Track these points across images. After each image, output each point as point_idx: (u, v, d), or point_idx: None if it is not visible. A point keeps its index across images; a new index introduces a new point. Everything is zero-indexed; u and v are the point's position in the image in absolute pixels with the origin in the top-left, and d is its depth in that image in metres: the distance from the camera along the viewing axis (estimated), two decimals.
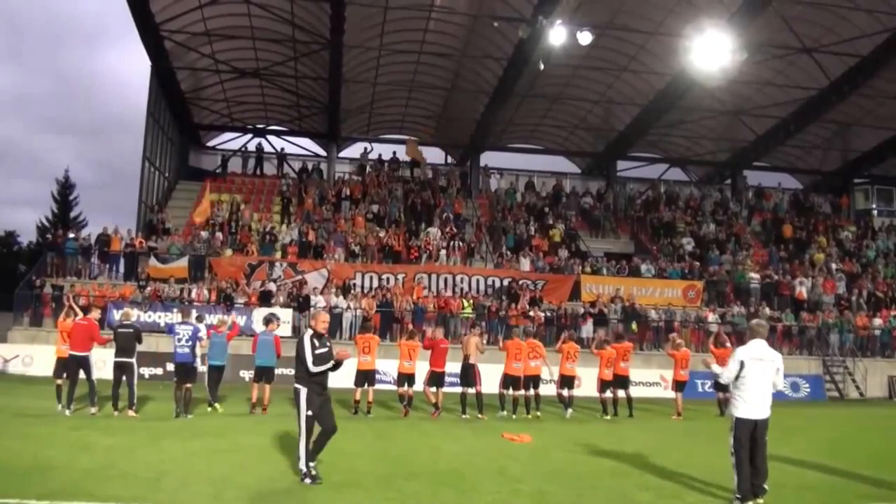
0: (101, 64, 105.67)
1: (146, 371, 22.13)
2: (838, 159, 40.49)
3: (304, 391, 8.42)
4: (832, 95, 32.19)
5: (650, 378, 24.41)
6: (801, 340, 28.36)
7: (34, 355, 22.87)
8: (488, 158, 38.31)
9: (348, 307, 24.73)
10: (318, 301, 24.51)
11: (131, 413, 13.69)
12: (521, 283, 27.39)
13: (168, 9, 27.66)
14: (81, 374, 13.99)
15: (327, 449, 8.65)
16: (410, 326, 21.98)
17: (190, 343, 14.29)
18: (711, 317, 27.87)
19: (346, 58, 29.60)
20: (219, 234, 28.23)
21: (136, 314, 15.15)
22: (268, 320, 16.36)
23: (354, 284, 26.51)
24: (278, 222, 30.15)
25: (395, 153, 36.63)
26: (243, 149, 36.94)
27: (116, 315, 21.82)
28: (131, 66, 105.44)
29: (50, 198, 57.16)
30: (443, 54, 31.21)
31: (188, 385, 14.16)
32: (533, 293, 27.05)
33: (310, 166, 35.56)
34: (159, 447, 10.41)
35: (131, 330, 14.10)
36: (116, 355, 13.97)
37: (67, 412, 13.60)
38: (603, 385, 17.35)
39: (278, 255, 27.88)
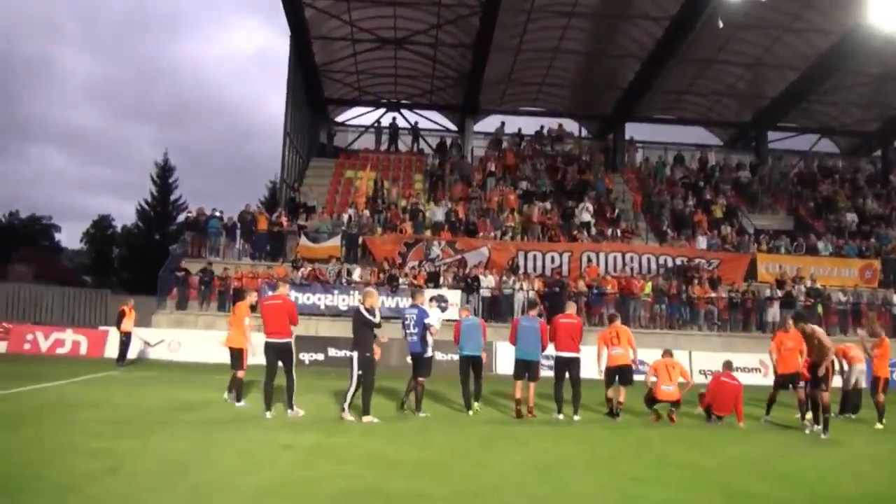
0: (178, 50, 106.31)
1: (306, 357, 20.99)
2: None
3: None
4: None
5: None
6: None
7: (181, 340, 22.07)
8: (629, 130, 36.09)
9: (520, 288, 23.09)
10: (488, 281, 23.00)
11: (368, 419, 11.23)
12: (695, 261, 25.38)
13: None
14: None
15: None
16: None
17: (416, 330, 12.43)
18: None
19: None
20: (366, 213, 26.85)
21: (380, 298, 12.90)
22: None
23: (517, 264, 24.84)
24: (424, 200, 28.60)
25: (542, 127, 34.85)
26: (377, 123, 35.44)
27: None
28: (209, 53, 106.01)
29: (148, 181, 57.33)
30: (596, 15, 29.04)
31: (419, 378, 12.44)
32: (709, 273, 25.06)
33: (448, 141, 33.79)
34: (478, 460, 8.68)
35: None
36: (353, 348, 11.66)
37: (268, 415, 11.30)
38: None
39: (428, 233, 26.43)
